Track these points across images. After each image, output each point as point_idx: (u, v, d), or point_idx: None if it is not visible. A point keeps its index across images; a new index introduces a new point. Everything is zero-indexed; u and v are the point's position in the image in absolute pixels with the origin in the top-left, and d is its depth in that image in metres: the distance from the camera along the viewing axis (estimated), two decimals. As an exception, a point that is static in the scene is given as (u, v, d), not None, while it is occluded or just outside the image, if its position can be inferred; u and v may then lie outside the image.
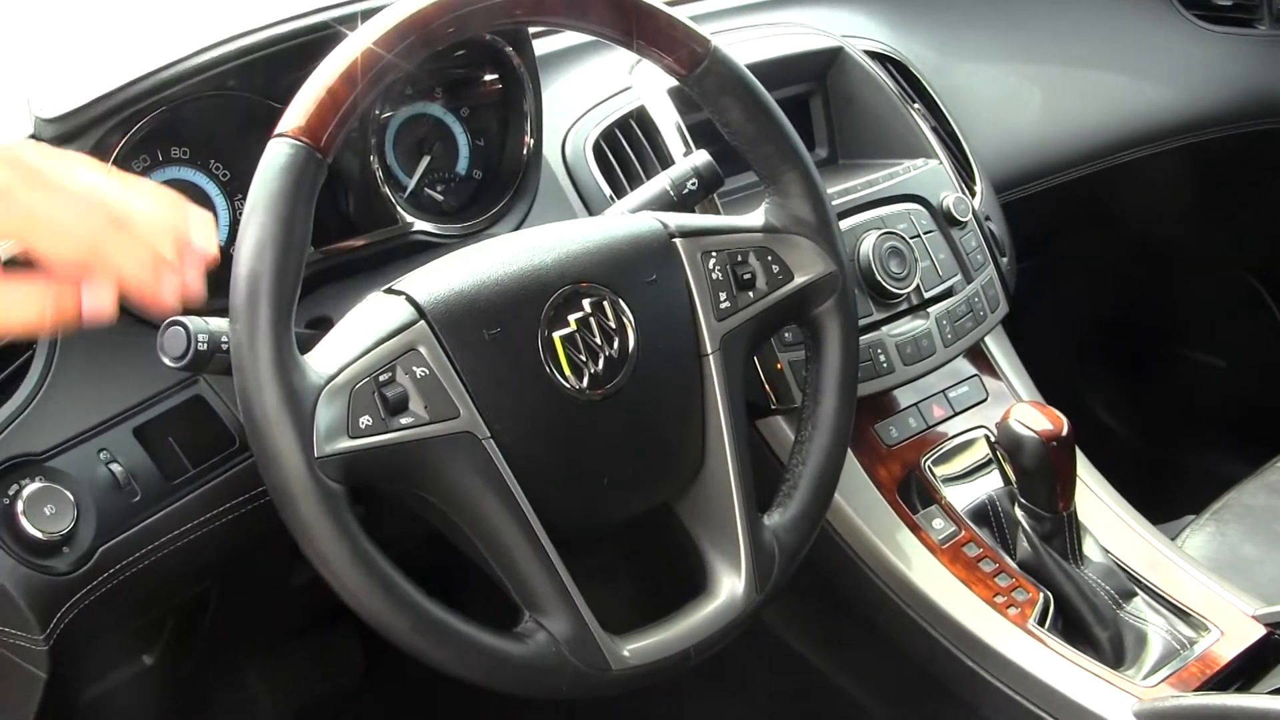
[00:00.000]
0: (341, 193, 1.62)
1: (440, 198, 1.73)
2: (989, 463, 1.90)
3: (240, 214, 1.51)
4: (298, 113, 1.24)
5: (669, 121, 1.84)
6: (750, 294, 1.47)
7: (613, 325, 1.38)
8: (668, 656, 1.36)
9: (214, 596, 1.68)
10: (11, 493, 1.37)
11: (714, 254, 1.46)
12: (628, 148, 1.82)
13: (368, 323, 1.29)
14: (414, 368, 1.27)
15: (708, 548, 1.44)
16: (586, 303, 1.37)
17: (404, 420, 1.25)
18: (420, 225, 1.65)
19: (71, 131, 1.47)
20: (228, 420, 1.50)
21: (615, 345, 1.37)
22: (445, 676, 1.92)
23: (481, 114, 1.74)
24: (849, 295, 1.52)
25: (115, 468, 1.43)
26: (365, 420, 1.23)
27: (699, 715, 2.11)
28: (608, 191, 1.78)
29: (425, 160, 1.72)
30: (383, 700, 2.30)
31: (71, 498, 1.39)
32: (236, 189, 1.60)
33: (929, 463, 1.86)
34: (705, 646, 1.39)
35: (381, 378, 1.25)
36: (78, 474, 1.41)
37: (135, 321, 1.49)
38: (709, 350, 1.43)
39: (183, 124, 1.54)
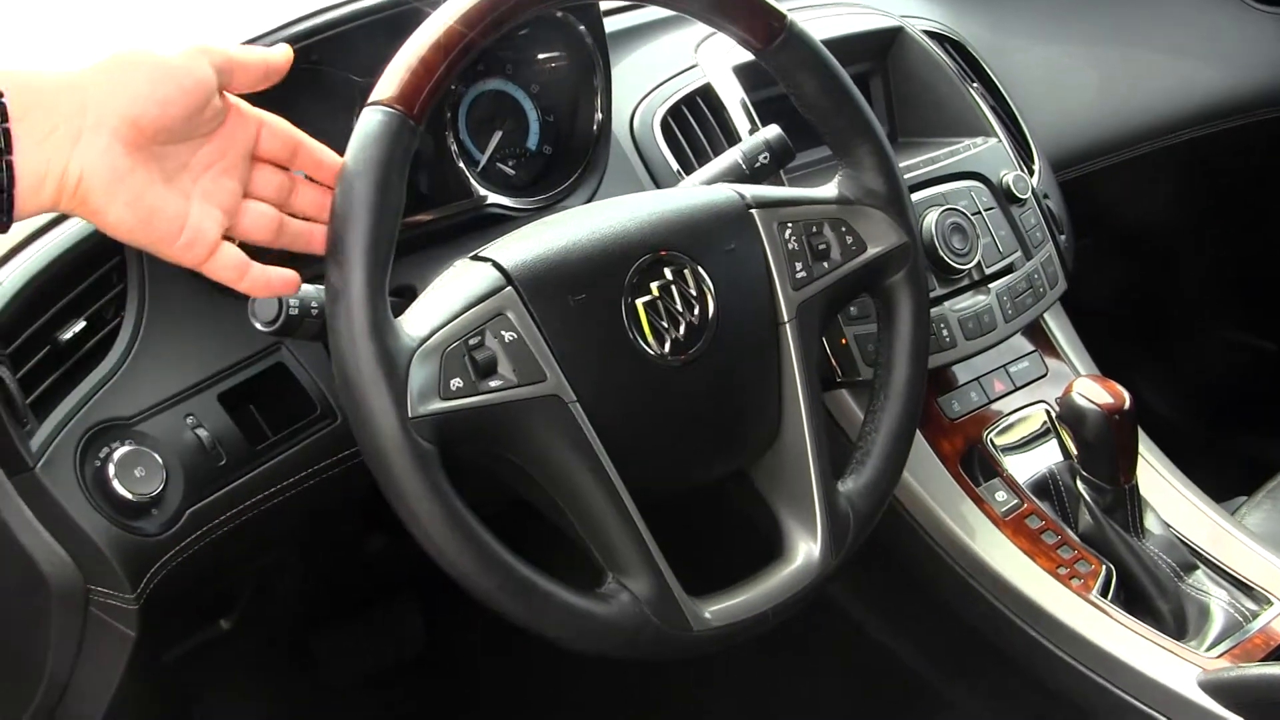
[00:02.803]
0: (417, 167, 1.64)
1: (511, 172, 1.76)
2: (1049, 437, 1.92)
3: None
4: (391, 82, 1.26)
5: (734, 98, 1.86)
6: (825, 264, 1.49)
7: (693, 292, 1.40)
8: (747, 618, 1.38)
9: (291, 562, 1.71)
10: (102, 455, 1.40)
11: (790, 224, 1.48)
12: (694, 124, 1.85)
13: (457, 288, 1.31)
14: (502, 332, 1.29)
15: (784, 513, 1.46)
16: (668, 270, 1.39)
17: (493, 383, 1.27)
18: (494, 198, 1.67)
19: None
20: (309, 387, 1.52)
21: (696, 312, 1.39)
22: (502, 651, 1.96)
23: (551, 90, 1.76)
24: (920, 266, 1.54)
25: (201, 432, 1.46)
26: (456, 382, 1.25)
27: (758, 686, 2.14)
28: (675, 167, 1.81)
29: (497, 135, 1.74)
30: (442, 672, 2.32)
31: (160, 461, 1.42)
32: None
33: (990, 436, 1.88)
34: (783, 609, 1.40)
35: (471, 341, 1.27)
36: (165, 438, 1.44)
37: (218, 291, 1.51)
38: (785, 319, 1.45)
39: (264, 97, 1.56)
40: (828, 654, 2.04)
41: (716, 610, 1.37)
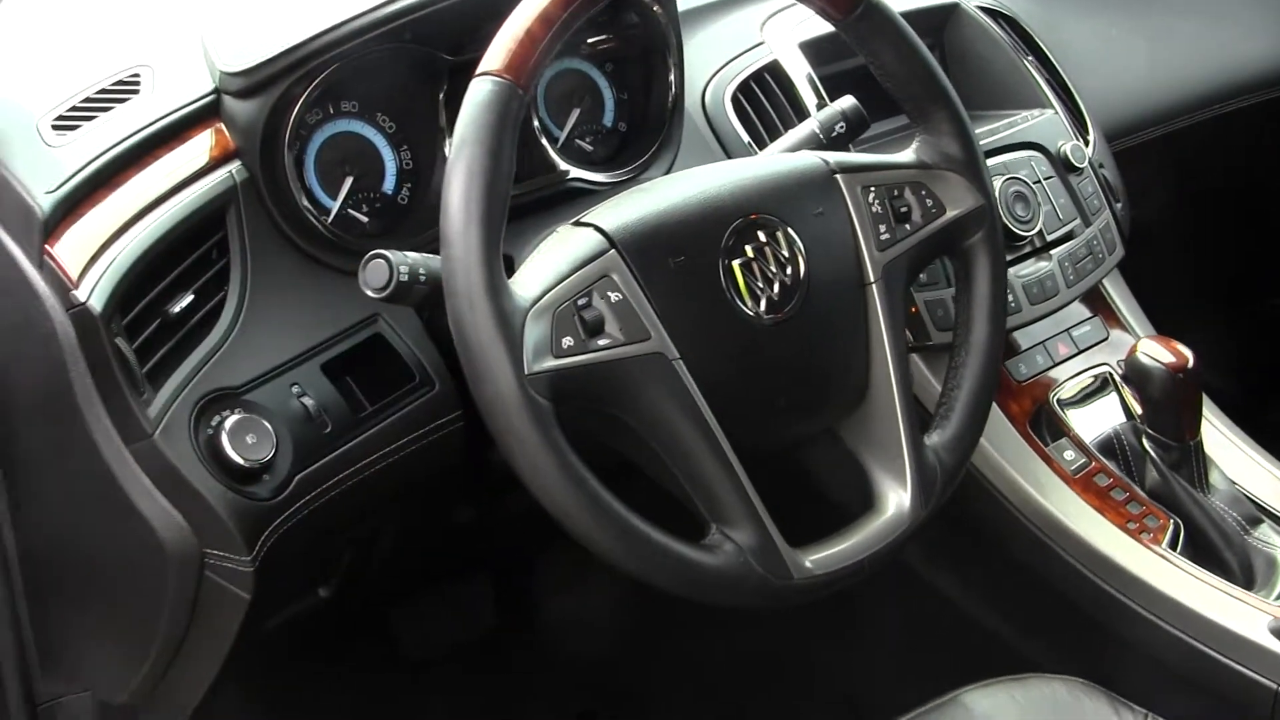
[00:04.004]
0: None
1: (589, 148, 1.80)
2: (1113, 398, 1.96)
3: (406, 164, 1.61)
4: (499, 53, 1.31)
5: (801, 74, 1.92)
6: (907, 226, 1.54)
7: (785, 254, 1.45)
8: (845, 566, 1.43)
9: (385, 532, 1.75)
10: (214, 424, 1.45)
11: (873, 189, 1.53)
12: (764, 99, 1.90)
13: (562, 251, 1.36)
14: (609, 293, 1.34)
15: (874, 467, 1.51)
16: (761, 233, 1.44)
17: (601, 341, 1.32)
18: (575, 173, 1.72)
19: (257, 84, 1.55)
20: (406, 357, 1.57)
21: (788, 273, 1.45)
22: (569, 632, 2.02)
23: (625, 69, 1.81)
24: (997, 228, 1.59)
25: (307, 401, 1.51)
26: (567, 341, 1.30)
27: (831, 645, 2.19)
28: (746, 139, 1.86)
29: (575, 113, 1.79)
30: (512, 651, 2.37)
31: (270, 428, 1.47)
32: (402, 140, 1.67)
33: (1056, 398, 1.93)
34: (878, 558, 1.45)
35: (580, 301, 1.32)
36: (273, 406, 1.49)
37: (317, 265, 1.57)
38: (872, 279, 1.50)
39: (353, 77, 1.61)
40: (900, 612, 2.09)
41: (816, 559, 1.42)
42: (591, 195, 1.70)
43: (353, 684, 2.23)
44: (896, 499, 1.48)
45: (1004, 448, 1.85)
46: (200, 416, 1.45)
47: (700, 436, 1.36)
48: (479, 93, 1.30)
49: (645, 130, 1.81)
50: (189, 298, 1.48)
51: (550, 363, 1.29)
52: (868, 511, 1.49)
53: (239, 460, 1.44)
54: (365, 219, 1.65)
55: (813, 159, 1.53)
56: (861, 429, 1.52)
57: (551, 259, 1.36)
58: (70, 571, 1.62)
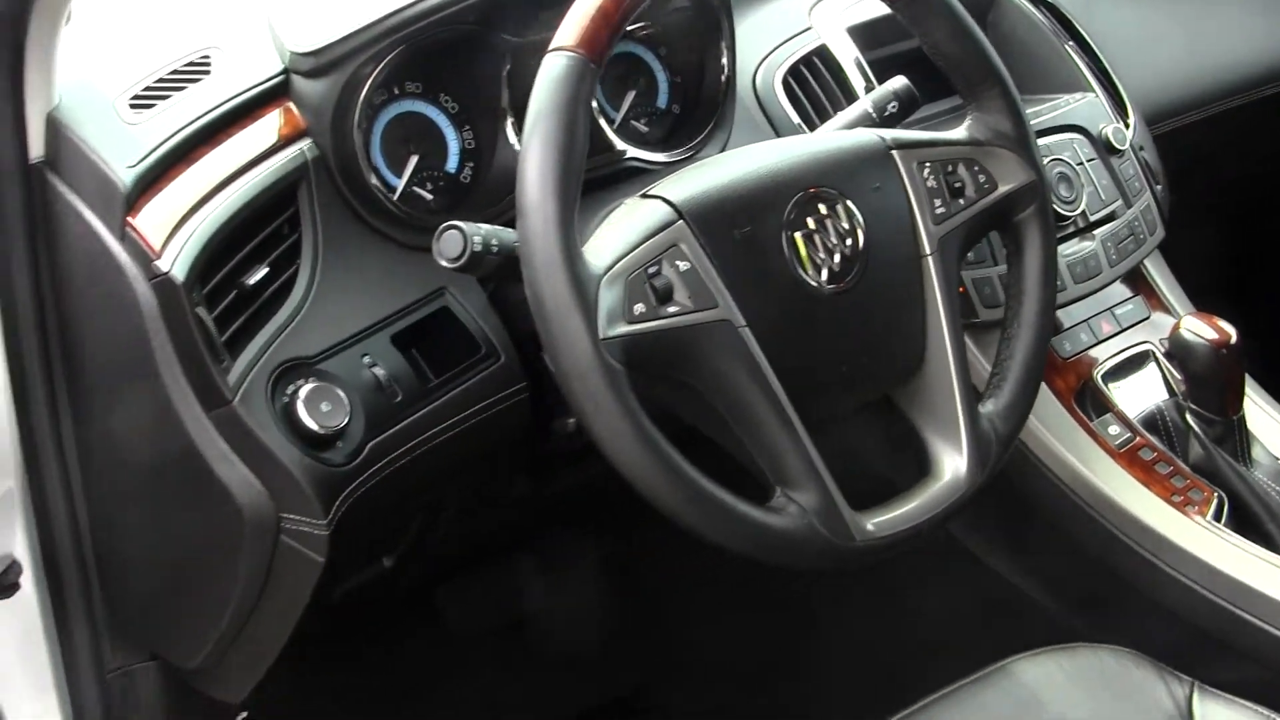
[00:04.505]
0: None
1: (645, 129, 1.85)
2: (1155, 375, 2.00)
3: (469, 144, 1.65)
4: (572, 29, 1.35)
5: (849, 58, 1.96)
6: (961, 201, 1.58)
7: (845, 226, 1.49)
8: (904, 529, 1.47)
9: (448, 504, 1.79)
10: (290, 391, 1.49)
11: (927, 164, 1.57)
12: (813, 83, 1.94)
13: (632, 222, 1.40)
14: (677, 261, 1.38)
15: (930, 435, 1.55)
16: (822, 205, 1.48)
17: (671, 309, 1.36)
18: (632, 152, 1.76)
19: (328, 64, 1.59)
20: (473, 330, 1.61)
21: (848, 244, 1.49)
22: (611, 612, 2.04)
23: (678, 52, 1.85)
24: (1048, 203, 1.63)
25: (378, 371, 1.55)
26: (639, 307, 1.34)
27: (876, 616, 2.22)
28: (797, 121, 1.90)
29: (631, 95, 1.83)
30: (554, 631, 2.41)
31: (343, 396, 1.51)
32: (464, 120, 1.71)
33: (1100, 374, 1.97)
34: (935, 522, 1.49)
35: (650, 270, 1.36)
36: (346, 376, 1.53)
37: (384, 240, 1.61)
38: (928, 251, 1.54)
39: (419, 59, 1.65)
40: (945, 585, 2.12)
41: (878, 522, 1.45)
42: (647, 174, 1.74)
43: (396, 660, 2.27)
44: (953, 465, 1.52)
45: (1050, 422, 1.88)
46: (276, 384, 1.49)
47: (766, 401, 1.40)
48: (553, 68, 1.34)
49: (698, 112, 1.85)
50: (264, 270, 1.52)
51: (623, 328, 1.32)
52: (924, 478, 1.53)
53: (314, 427, 1.48)
54: (430, 196, 1.69)
55: (870, 135, 1.57)
56: (918, 397, 1.55)
57: (621, 229, 1.39)
58: (143, 539, 1.65)
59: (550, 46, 1.36)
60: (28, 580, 1.67)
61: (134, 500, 1.62)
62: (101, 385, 1.57)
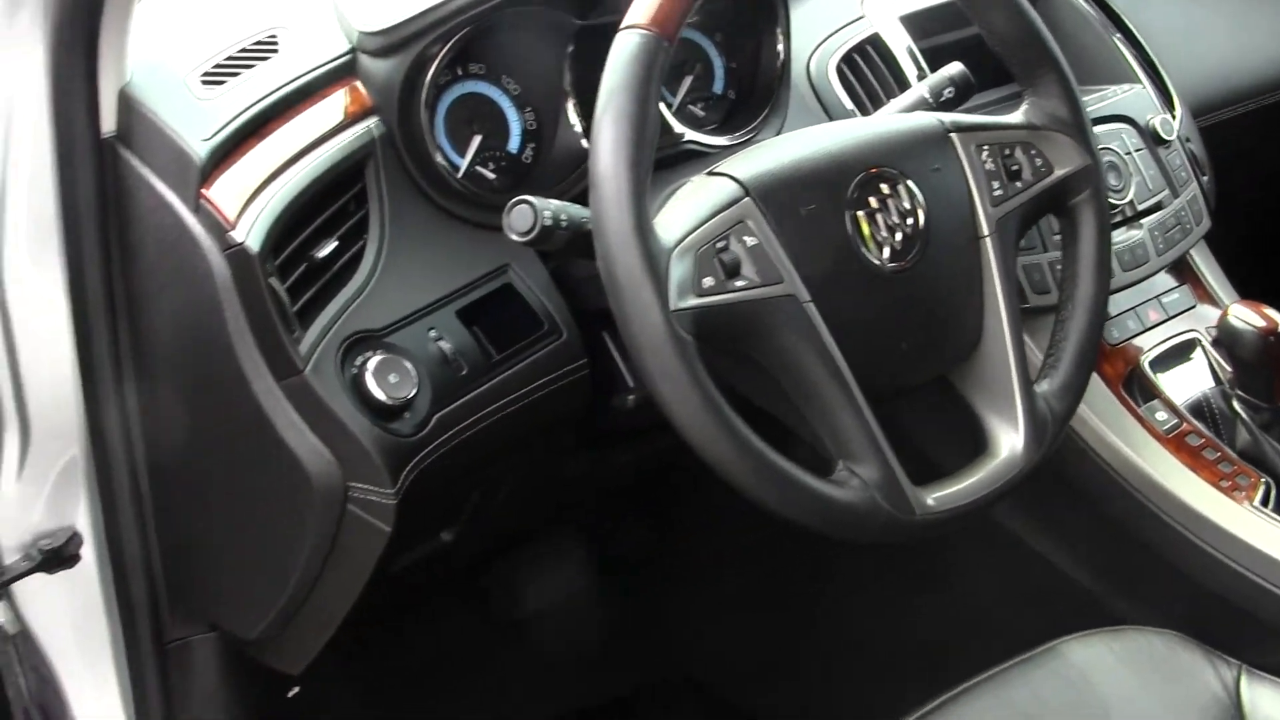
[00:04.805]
0: None
1: (701, 114, 1.87)
2: (1202, 363, 2.02)
3: (530, 125, 1.67)
4: (646, 7, 1.38)
5: (902, 46, 1.99)
6: (1018, 184, 1.60)
7: (906, 206, 1.51)
8: (963, 505, 1.49)
9: (506, 480, 1.81)
10: (359, 363, 1.52)
11: (985, 147, 1.59)
12: (866, 70, 1.96)
13: (700, 198, 1.43)
14: (744, 237, 1.40)
15: (987, 413, 1.57)
16: (884, 185, 1.51)
17: (739, 283, 1.39)
18: (690, 135, 1.78)
19: (395, 44, 1.62)
20: (535, 306, 1.64)
21: (909, 223, 1.51)
22: (657, 597, 2.05)
23: (735, 38, 1.88)
24: (1103, 188, 1.66)
25: (444, 345, 1.57)
26: (708, 281, 1.37)
27: (918, 600, 2.24)
28: (851, 108, 1.93)
29: (688, 80, 1.86)
30: (598, 614, 2.43)
31: (411, 368, 1.53)
32: (526, 102, 1.74)
33: (1147, 361, 1.99)
34: (992, 498, 1.51)
35: (719, 244, 1.39)
36: (413, 348, 1.56)
37: (449, 217, 1.64)
38: (986, 233, 1.56)
39: (483, 40, 1.68)
40: (991, 569, 2.14)
41: (938, 497, 1.48)
42: (705, 157, 1.76)
43: (437, 641, 2.29)
44: (1010, 444, 1.54)
45: (1099, 408, 1.91)
46: (346, 356, 1.52)
47: (829, 375, 1.42)
48: (626, 45, 1.37)
49: (753, 98, 1.87)
50: (333, 244, 1.55)
51: (693, 301, 1.35)
52: (981, 455, 1.55)
53: (382, 398, 1.51)
54: (492, 176, 1.72)
55: (929, 118, 1.59)
56: (975, 376, 1.58)
57: (690, 205, 1.42)
58: (208, 509, 1.67)
59: (623, 24, 1.38)
60: (89, 551, 1.68)
61: (200, 470, 1.65)
62: (170, 355, 1.59)
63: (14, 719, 1.84)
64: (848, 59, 1.96)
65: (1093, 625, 1.73)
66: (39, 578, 1.66)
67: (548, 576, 2.42)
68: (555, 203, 1.43)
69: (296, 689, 1.95)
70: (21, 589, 1.72)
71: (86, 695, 1.77)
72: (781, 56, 1.85)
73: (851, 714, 2.14)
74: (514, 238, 1.42)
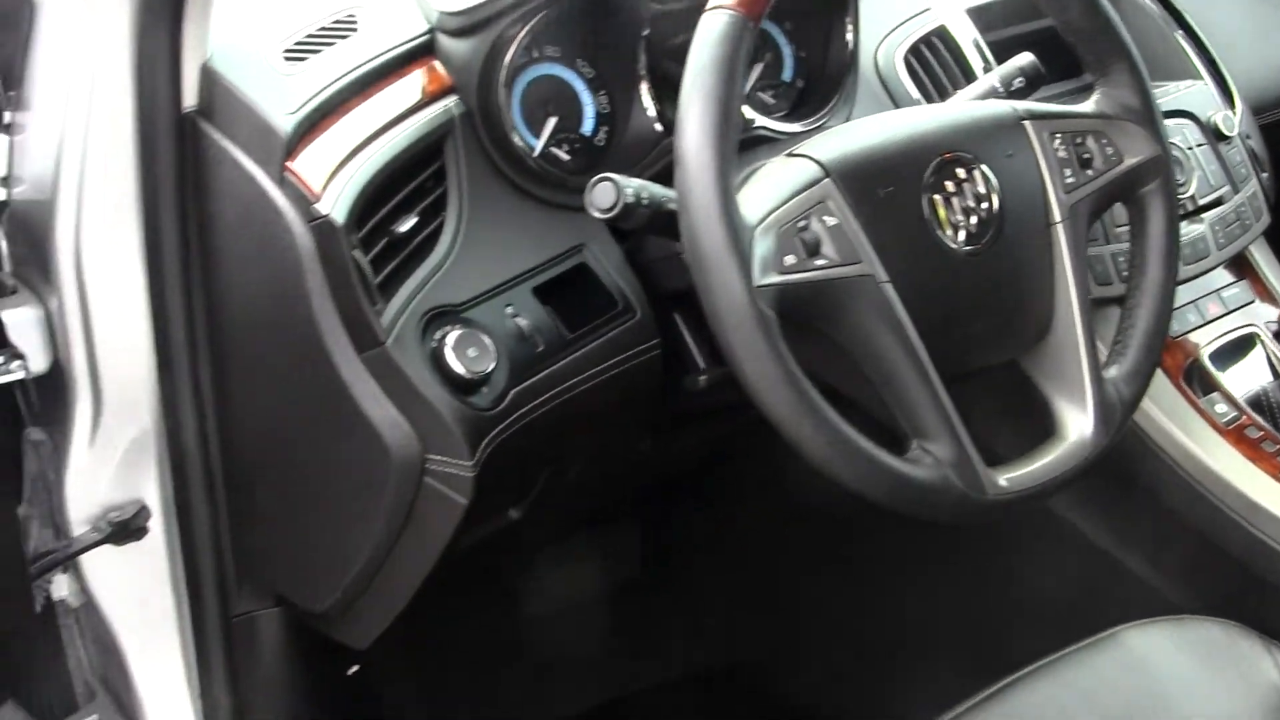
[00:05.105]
0: None
1: (771, 101, 1.89)
2: (1260, 357, 2.03)
3: (603, 108, 1.69)
4: None
5: (968, 39, 2.00)
6: (1089, 172, 1.62)
7: (981, 191, 1.53)
8: (1034, 486, 1.51)
9: (577, 457, 1.83)
10: (438, 337, 1.54)
11: (1058, 135, 1.61)
12: (933, 61, 1.98)
13: (781, 179, 1.45)
14: (825, 217, 1.42)
15: (1056, 398, 1.59)
16: (959, 170, 1.53)
17: (819, 261, 1.41)
18: (760, 121, 1.80)
19: (475, 24, 1.65)
20: (609, 286, 1.66)
21: (983, 208, 1.53)
22: (712, 586, 2.06)
23: (804, 28, 1.90)
24: (1171, 177, 1.67)
25: (521, 321, 1.59)
26: (789, 259, 1.39)
27: (975, 590, 2.25)
28: (917, 97, 1.94)
29: (758, 67, 1.87)
30: (656, 597, 2.44)
31: (489, 343, 1.55)
32: (600, 85, 1.76)
33: (1207, 354, 2.00)
34: (1062, 481, 1.53)
35: (800, 224, 1.41)
36: (491, 324, 1.57)
37: (525, 196, 1.65)
38: (1058, 219, 1.58)
39: (561, 22, 1.70)
40: (1051, 561, 2.15)
41: (1010, 478, 1.49)
42: (775, 143, 1.78)
43: (488, 623, 2.31)
44: (1079, 428, 1.56)
45: (1159, 399, 1.92)
46: (426, 329, 1.53)
47: (905, 354, 1.44)
48: (714, 25, 1.39)
49: (822, 86, 1.89)
50: (413, 219, 1.56)
51: (775, 278, 1.37)
52: (1049, 439, 1.57)
53: (462, 371, 1.52)
54: (566, 157, 1.74)
55: (1003, 106, 1.62)
56: (1045, 360, 1.60)
57: (771, 185, 1.44)
58: (281, 482, 1.69)
59: (709, 5, 1.40)
60: (156, 524, 1.70)
61: (275, 442, 1.67)
62: (248, 327, 1.61)
63: (75, 691, 1.85)
64: (914, 50, 1.98)
65: (1150, 615, 1.74)
66: (105, 551, 1.68)
67: (594, 564, 2.43)
68: (636, 181, 1.45)
69: (355, 668, 1.96)
70: (87, 561, 1.73)
71: (150, 669, 1.78)
72: (850, 46, 1.87)
73: (903, 702, 2.15)
74: (596, 214, 1.44)
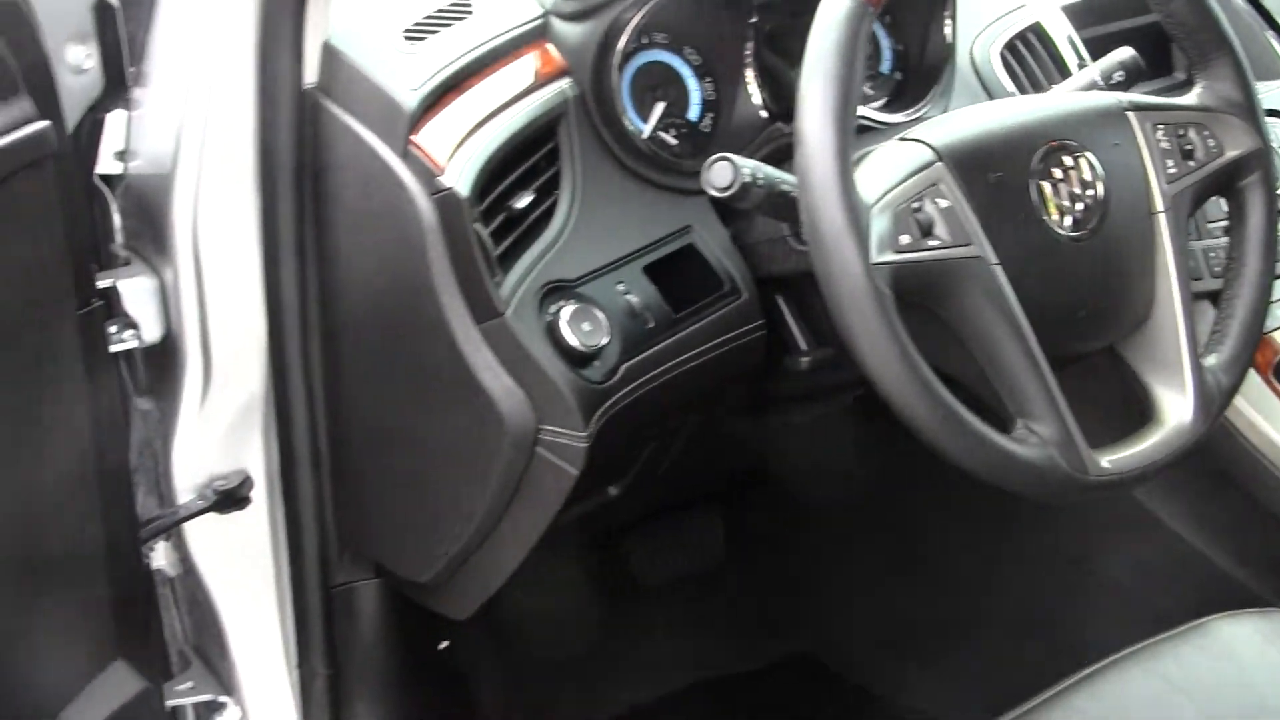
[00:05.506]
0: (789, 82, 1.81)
1: (870, 92, 1.92)
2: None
3: (709, 95, 1.73)
4: None
5: (1063, 35, 2.04)
6: (1191, 163, 1.65)
7: (1087, 178, 1.57)
8: (1136, 470, 1.53)
9: (678, 436, 1.86)
10: (554, 310, 1.57)
11: (1161, 126, 1.64)
12: (1028, 57, 2.01)
13: (895, 161, 1.48)
14: (937, 200, 1.46)
15: (1155, 384, 1.62)
16: (1066, 157, 1.56)
17: (932, 242, 1.44)
18: (860, 110, 1.82)
19: (590, 9, 1.69)
20: (716, 267, 1.69)
21: (1089, 195, 1.56)
22: (793, 576, 2.08)
23: (902, 21, 1.93)
24: (1271, 170, 1.70)
25: (632, 298, 1.63)
26: (905, 238, 1.42)
27: (1056, 579, 2.27)
28: (1013, 90, 1.97)
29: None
30: (737, 585, 2.47)
31: (602, 318, 1.58)
32: (706, 72, 1.79)
33: (1298, 349, 2.03)
34: (1163, 465, 1.56)
35: (914, 205, 1.44)
36: (603, 300, 1.61)
37: (635, 178, 1.69)
38: (1161, 208, 1.62)
39: (671, 10, 1.73)
40: (1134, 554, 2.17)
41: (1112, 460, 1.52)
42: (874, 132, 1.81)
43: (574, 604, 2.33)
44: (1178, 414, 1.59)
45: (1248, 393, 1.95)
46: (542, 302, 1.57)
47: (1013, 335, 1.47)
48: (835, 10, 1.42)
49: (919, 79, 1.92)
50: (529, 196, 1.60)
51: (891, 256, 1.40)
52: (1148, 424, 1.59)
53: (576, 344, 1.56)
54: (674, 142, 1.77)
55: (1108, 96, 1.65)
56: (1145, 347, 1.63)
57: (886, 167, 1.47)
58: (390, 452, 1.73)
59: None
60: (259, 493, 1.74)
61: (385, 411, 1.70)
62: (364, 298, 1.64)
63: (170, 660, 1.88)
64: (1010, 45, 2.01)
65: (1230, 606, 1.75)
66: (207, 520, 1.71)
67: (676, 550, 2.46)
68: (752, 161, 1.48)
69: (447, 643, 1.99)
70: (189, 530, 1.76)
71: (247, 638, 1.82)
72: (949, 40, 1.90)
73: (987, 689, 2.17)
74: (712, 192, 1.47)
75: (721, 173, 1.46)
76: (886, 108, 1.90)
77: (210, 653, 1.87)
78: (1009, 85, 1.97)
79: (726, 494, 2.41)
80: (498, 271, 1.55)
